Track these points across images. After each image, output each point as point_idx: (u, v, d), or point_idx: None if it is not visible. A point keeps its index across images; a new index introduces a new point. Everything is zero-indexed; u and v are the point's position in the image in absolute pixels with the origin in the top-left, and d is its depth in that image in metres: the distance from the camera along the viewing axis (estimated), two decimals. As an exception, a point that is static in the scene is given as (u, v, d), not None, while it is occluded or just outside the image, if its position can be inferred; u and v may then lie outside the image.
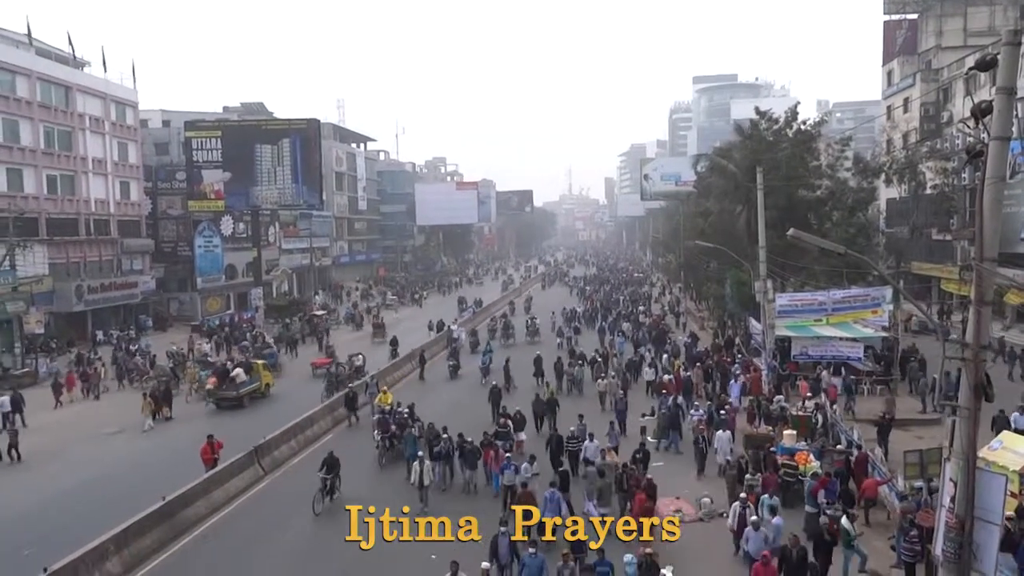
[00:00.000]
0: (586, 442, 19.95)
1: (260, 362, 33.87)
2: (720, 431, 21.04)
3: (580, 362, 32.77)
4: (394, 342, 40.51)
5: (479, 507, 17.91)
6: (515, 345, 42.35)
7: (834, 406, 25.69)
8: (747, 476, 17.80)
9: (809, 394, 25.51)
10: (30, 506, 19.94)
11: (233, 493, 20.12)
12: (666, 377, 28.89)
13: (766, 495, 16.41)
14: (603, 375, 29.67)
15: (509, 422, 22.68)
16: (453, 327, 43.86)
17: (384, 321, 51.28)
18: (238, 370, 31.45)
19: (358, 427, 26.87)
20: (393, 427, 22.99)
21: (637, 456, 19.16)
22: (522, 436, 22.89)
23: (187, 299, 57.24)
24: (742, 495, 16.05)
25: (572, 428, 21.34)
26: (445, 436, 20.88)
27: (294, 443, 24.23)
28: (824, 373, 27.47)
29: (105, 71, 52.18)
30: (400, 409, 24.59)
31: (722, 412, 22.95)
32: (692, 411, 23.93)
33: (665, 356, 33.59)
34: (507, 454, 19.59)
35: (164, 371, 35.03)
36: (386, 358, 38.14)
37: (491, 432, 21.66)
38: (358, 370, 33.78)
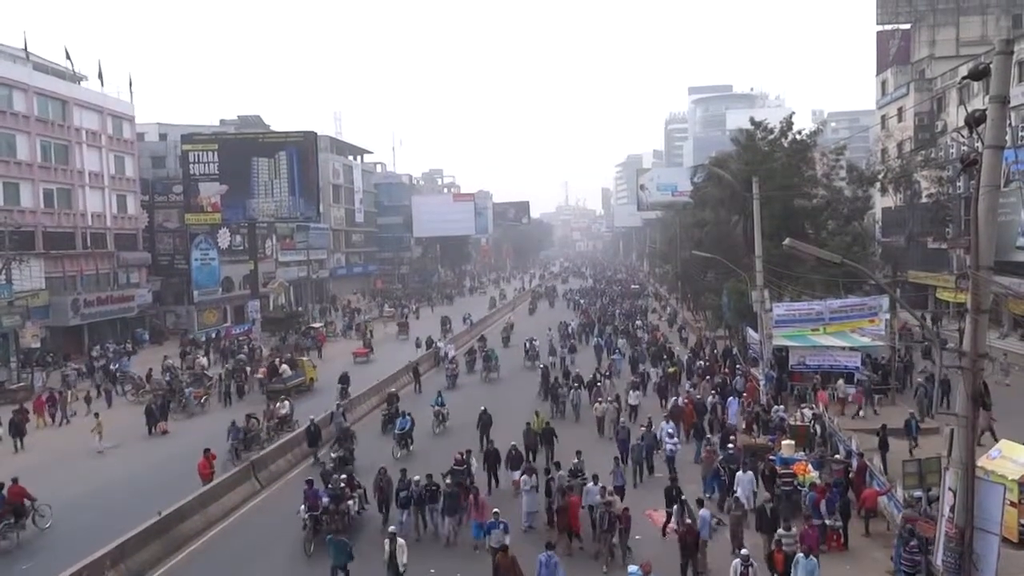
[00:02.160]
0: (589, 484, 17.72)
1: (305, 359, 36.75)
2: (740, 471, 18.41)
3: (576, 384, 30.05)
4: (344, 379, 32.23)
5: (459, 565, 16.17)
6: (499, 380, 36.86)
7: (860, 412, 26.22)
8: (779, 532, 14.74)
9: (813, 405, 25.45)
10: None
11: (229, 507, 20.05)
12: (680, 401, 26.14)
13: (801, 554, 13.70)
14: (600, 399, 27.27)
15: (472, 459, 19.94)
16: (440, 344, 43.10)
17: (408, 320, 54.15)
18: (284, 366, 34.92)
19: (300, 480, 20.85)
20: (325, 500, 17.82)
21: (672, 495, 17.02)
22: (517, 475, 19.85)
23: (184, 312, 57.15)
24: (743, 552, 13.67)
25: (575, 461, 19.22)
26: (416, 479, 18.04)
27: (291, 456, 24.18)
28: (840, 382, 27.36)
29: (102, 85, 52.49)
30: (337, 475, 19.11)
31: (729, 446, 20.56)
32: (667, 439, 21.68)
33: (658, 370, 32.83)
34: (495, 509, 16.31)
35: (160, 385, 34.88)
36: (383, 370, 35.91)
37: (449, 472, 18.78)
38: (283, 420, 27.19)
